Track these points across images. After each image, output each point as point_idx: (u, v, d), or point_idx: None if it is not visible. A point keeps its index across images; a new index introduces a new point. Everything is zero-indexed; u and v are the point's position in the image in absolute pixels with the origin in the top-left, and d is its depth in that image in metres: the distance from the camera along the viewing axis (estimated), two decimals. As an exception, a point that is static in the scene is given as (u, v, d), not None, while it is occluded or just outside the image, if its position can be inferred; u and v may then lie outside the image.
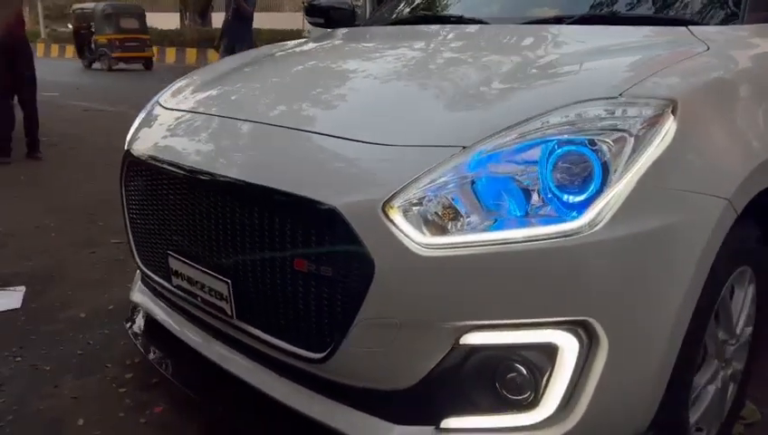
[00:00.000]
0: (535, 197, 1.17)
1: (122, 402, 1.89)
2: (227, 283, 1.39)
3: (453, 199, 1.17)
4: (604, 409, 1.19)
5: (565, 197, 1.15)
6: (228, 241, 1.37)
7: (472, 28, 1.99)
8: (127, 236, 1.80)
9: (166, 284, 1.63)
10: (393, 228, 1.15)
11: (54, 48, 25.02)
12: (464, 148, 1.19)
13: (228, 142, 1.49)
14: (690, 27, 1.59)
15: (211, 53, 19.33)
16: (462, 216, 1.17)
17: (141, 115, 1.90)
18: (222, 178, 1.37)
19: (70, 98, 9.67)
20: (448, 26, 2.02)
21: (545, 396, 1.18)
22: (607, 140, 1.17)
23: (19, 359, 2.12)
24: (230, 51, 6.60)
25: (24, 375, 2.03)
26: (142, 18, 17.88)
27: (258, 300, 1.35)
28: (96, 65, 17.51)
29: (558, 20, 1.83)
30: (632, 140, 1.17)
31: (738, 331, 1.55)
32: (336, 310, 1.22)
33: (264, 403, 1.44)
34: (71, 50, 24.25)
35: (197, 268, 1.47)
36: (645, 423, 1.26)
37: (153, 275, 1.70)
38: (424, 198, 1.17)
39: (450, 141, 1.21)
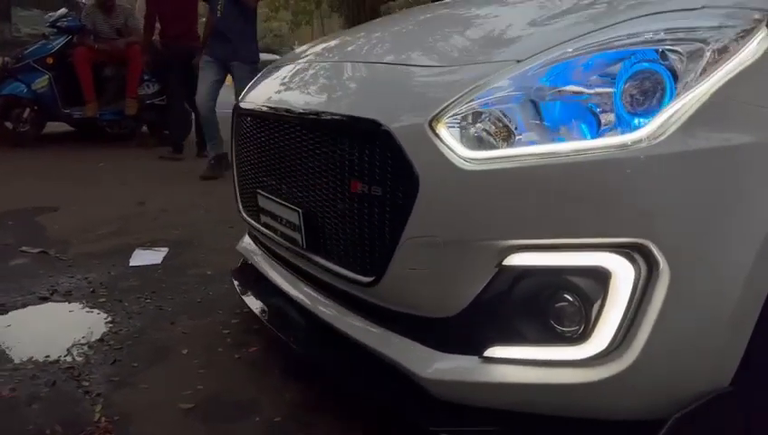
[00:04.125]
0: (598, 114, 1.09)
1: (224, 341, 2.04)
2: (298, 212, 1.46)
3: (503, 114, 1.13)
4: (667, 350, 1.06)
5: (629, 108, 1.06)
6: (299, 170, 1.45)
7: None
8: (234, 189, 1.96)
9: (256, 224, 1.74)
10: (439, 143, 1.14)
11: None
12: (518, 61, 1.15)
13: (307, 81, 1.58)
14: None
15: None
16: (513, 132, 1.12)
17: (254, 79, 2.07)
18: (295, 112, 1.45)
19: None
20: None
21: (597, 329, 1.08)
22: (679, 50, 1.06)
23: (149, 301, 2.38)
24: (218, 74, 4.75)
25: (149, 313, 2.27)
26: None
27: (322, 227, 1.41)
28: None
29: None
30: (709, 51, 1.05)
31: None
32: (384, 230, 1.23)
33: (329, 334, 1.48)
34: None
35: (277, 201, 1.56)
36: (725, 377, 1.09)
37: (248, 219, 1.83)
38: (472, 113, 1.14)
39: (504, 57, 1.18)
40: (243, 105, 1.83)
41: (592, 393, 1.10)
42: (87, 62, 5.88)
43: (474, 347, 1.18)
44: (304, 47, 2.13)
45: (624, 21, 1.14)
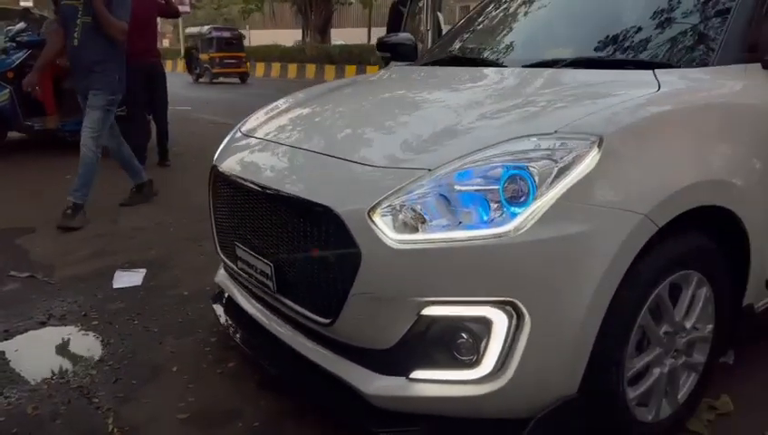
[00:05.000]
0: (490, 204, 1.55)
1: (206, 358, 2.46)
2: (270, 265, 1.89)
3: (421, 207, 1.59)
4: (530, 371, 1.55)
5: (509, 200, 1.53)
6: (269, 233, 1.88)
7: (478, 71, 2.40)
8: (212, 230, 2.37)
9: (234, 266, 2.17)
10: (374, 227, 1.59)
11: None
12: (429, 170, 1.61)
13: (273, 162, 2.00)
14: (656, 70, 1.89)
15: (328, 69, 20.66)
16: (426, 219, 1.59)
17: (227, 138, 2.47)
18: (267, 189, 1.87)
19: (200, 112, 10.90)
20: (460, 69, 2.45)
21: (484, 358, 1.56)
22: (537, 166, 1.54)
23: (136, 322, 2.77)
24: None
25: (139, 334, 2.66)
26: (239, 39, 20.95)
27: (290, 278, 1.84)
28: (202, 79, 20.48)
29: (551, 63, 2.18)
30: (558, 166, 1.53)
31: (688, 326, 1.82)
32: (338, 287, 1.67)
33: (294, 357, 1.92)
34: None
35: (252, 254, 1.99)
36: (571, 388, 1.60)
37: (226, 260, 2.25)
38: (398, 205, 1.60)
39: (421, 165, 1.64)
40: (219, 168, 2.23)
41: (483, 401, 1.58)
42: (48, 75, 6.07)
43: (402, 370, 1.65)
44: (268, 111, 2.55)
45: (505, 141, 1.61)
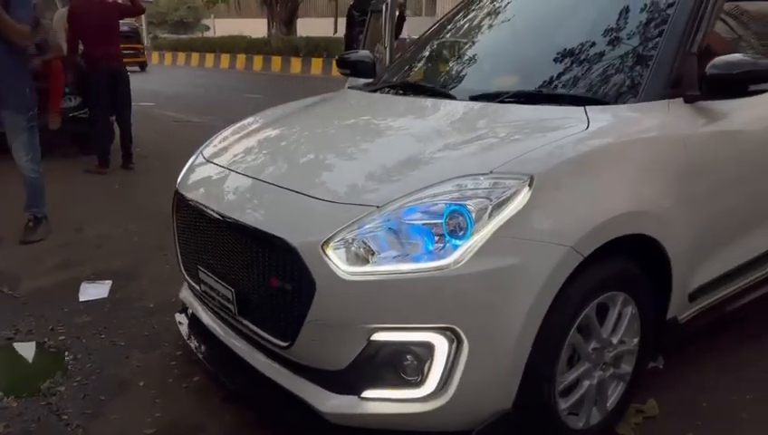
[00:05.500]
0: (434, 236, 1.70)
1: (172, 372, 2.57)
2: (232, 290, 2.01)
3: (371, 241, 1.73)
4: (469, 389, 1.71)
5: (451, 234, 1.68)
6: (232, 262, 2.00)
7: (426, 102, 2.56)
8: (175, 250, 2.47)
9: (197, 287, 2.28)
10: (328, 260, 1.73)
11: (155, 55, 27.10)
12: (378, 207, 1.75)
13: (234, 192, 2.12)
14: (587, 107, 2.06)
15: (294, 61, 20.60)
16: (375, 252, 1.73)
17: (190, 161, 2.57)
18: (228, 218, 1.99)
19: (165, 108, 10.82)
20: (408, 99, 2.63)
21: (428, 378, 1.72)
22: (472, 204, 1.69)
23: (103, 336, 2.86)
24: None
25: (106, 348, 2.76)
26: (136, 33, 22.52)
27: (250, 303, 1.97)
28: None
29: (496, 95, 2.34)
30: (492, 205, 1.69)
31: (615, 341, 2.01)
32: (295, 313, 1.81)
33: (255, 374, 2.05)
34: (169, 56, 26.30)
35: (215, 279, 2.10)
36: (507, 403, 1.77)
37: (190, 281, 2.36)
38: (350, 239, 1.74)
39: (372, 201, 1.78)
40: (181, 193, 2.34)
41: (428, 417, 1.74)
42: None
43: (355, 390, 1.79)
44: (233, 132, 2.66)
45: (447, 180, 1.76)
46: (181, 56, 25.80)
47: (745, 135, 2.34)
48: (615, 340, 2.02)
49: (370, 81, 3.16)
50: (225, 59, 23.51)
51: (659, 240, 1.98)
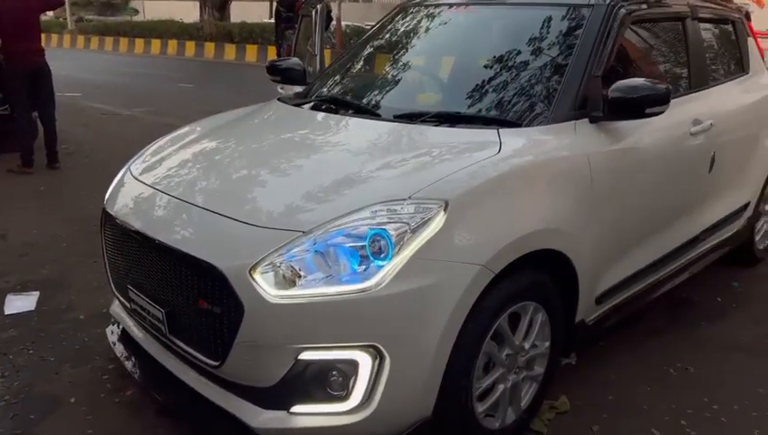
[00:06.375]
0: (359, 258, 1.80)
1: (104, 386, 2.58)
2: (162, 311, 2.06)
3: (298, 264, 1.82)
4: (392, 401, 1.84)
5: (375, 255, 1.79)
6: (161, 283, 2.04)
7: (351, 121, 2.65)
8: (104, 266, 2.47)
9: (127, 305, 2.30)
10: (255, 284, 1.80)
11: (80, 40, 25.92)
12: (303, 232, 1.84)
13: (163, 214, 2.15)
14: (500, 129, 2.21)
15: (228, 48, 20.17)
16: (302, 275, 1.82)
17: (117, 177, 2.57)
18: (156, 241, 2.03)
19: (91, 99, 10.44)
20: (335, 117, 2.70)
21: (353, 392, 1.83)
22: (392, 229, 1.80)
23: (32, 352, 2.83)
24: None
25: (35, 364, 2.73)
26: None
27: (180, 324, 2.02)
28: None
29: (418, 115, 2.45)
30: (410, 229, 1.81)
31: (527, 346, 2.18)
32: (224, 335, 1.87)
33: (187, 390, 2.11)
34: (95, 41, 25.22)
35: (144, 299, 2.14)
36: (427, 411, 1.91)
37: (120, 297, 2.38)
38: (277, 263, 1.81)
39: (296, 227, 1.86)
40: (109, 211, 2.35)
41: (354, 428, 1.85)
42: None
43: (284, 405, 1.88)
44: (164, 145, 2.66)
45: (369, 205, 1.86)
46: (108, 41, 24.72)
47: (644, 152, 2.54)
48: (527, 345, 2.18)
49: (301, 89, 3.22)
50: (155, 45, 22.71)
51: (566, 253, 2.16)
